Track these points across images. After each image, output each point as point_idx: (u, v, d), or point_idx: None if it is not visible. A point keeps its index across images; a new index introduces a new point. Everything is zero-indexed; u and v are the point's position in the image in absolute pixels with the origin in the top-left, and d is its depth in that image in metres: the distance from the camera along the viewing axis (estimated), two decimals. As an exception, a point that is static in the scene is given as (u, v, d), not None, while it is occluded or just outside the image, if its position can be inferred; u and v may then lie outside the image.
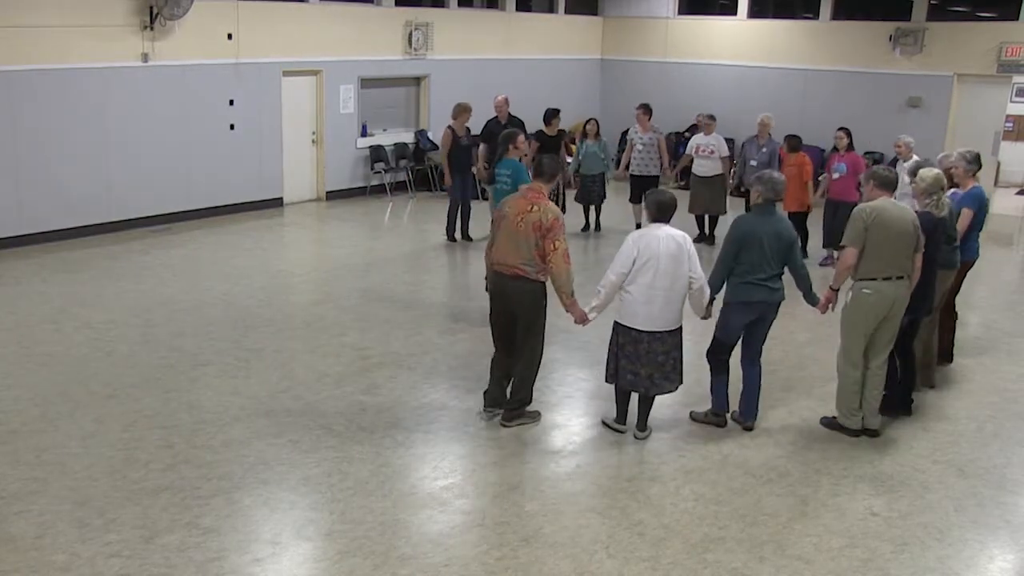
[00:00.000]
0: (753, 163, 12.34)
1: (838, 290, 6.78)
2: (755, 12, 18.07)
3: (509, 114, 12.71)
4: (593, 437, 6.69)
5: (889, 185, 6.66)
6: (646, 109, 13.28)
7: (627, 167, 13.40)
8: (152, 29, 12.38)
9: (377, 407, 7.08)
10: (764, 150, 12.40)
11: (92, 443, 6.32)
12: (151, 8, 12.25)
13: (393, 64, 15.87)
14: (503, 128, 12.65)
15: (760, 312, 6.59)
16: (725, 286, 6.62)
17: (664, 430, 6.80)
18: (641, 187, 13.08)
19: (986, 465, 6.44)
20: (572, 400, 7.37)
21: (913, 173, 7.44)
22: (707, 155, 12.86)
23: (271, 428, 6.65)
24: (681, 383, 6.59)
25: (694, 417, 6.94)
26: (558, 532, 5.38)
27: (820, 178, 12.31)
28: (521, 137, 9.20)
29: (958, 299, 8.48)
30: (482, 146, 12.55)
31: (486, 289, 7.07)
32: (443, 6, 16.82)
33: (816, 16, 17.40)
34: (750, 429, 6.83)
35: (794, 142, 12.01)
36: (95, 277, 10.54)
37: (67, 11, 11.59)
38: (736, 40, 18.11)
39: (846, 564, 5.16)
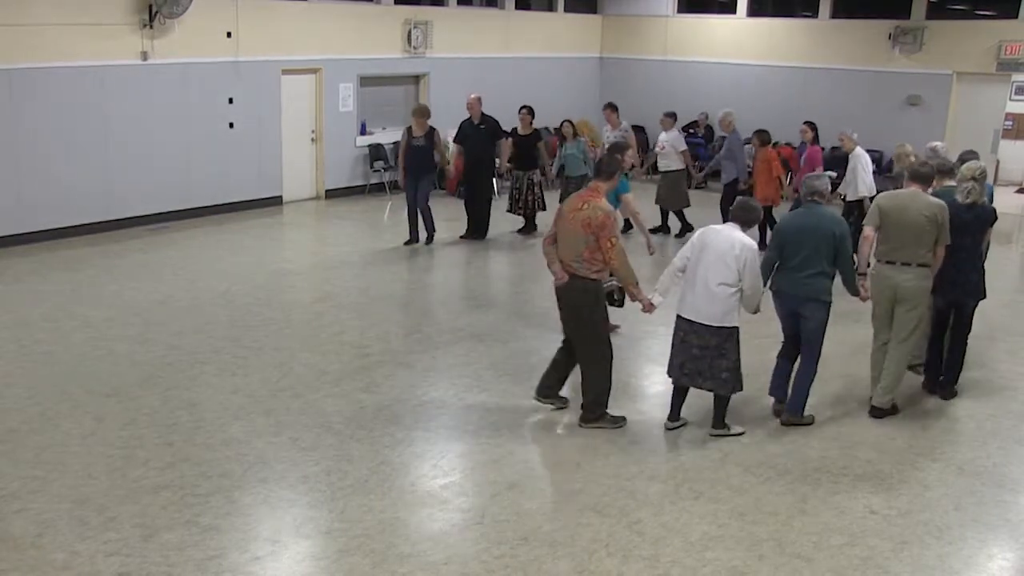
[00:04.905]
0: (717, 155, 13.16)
1: (865, 274, 7.03)
2: (754, 10, 18.06)
3: (482, 113, 12.66)
4: (592, 435, 6.69)
5: (921, 179, 6.93)
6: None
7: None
8: (151, 27, 12.37)
9: (376, 405, 7.08)
10: (724, 143, 12.99)
11: (91, 441, 6.33)
12: (150, 6, 12.24)
13: (392, 62, 15.86)
14: (476, 128, 12.66)
15: (789, 305, 6.78)
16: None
17: (663, 429, 6.81)
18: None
19: (985, 463, 6.44)
20: (571, 400, 7.36)
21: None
22: (659, 150, 13.29)
23: (270, 426, 6.65)
24: (727, 389, 6.52)
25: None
26: (557, 531, 5.38)
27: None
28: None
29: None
30: (454, 146, 12.50)
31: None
32: (442, 4, 16.81)
33: (815, 14, 17.39)
34: (785, 423, 6.86)
35: (764, 136, 12.22)
36: (94, 275, 10.53)
37: (66, 9, 11.58)
38: (736, 38, 18.09)
39: (845, 562, 5.16)
